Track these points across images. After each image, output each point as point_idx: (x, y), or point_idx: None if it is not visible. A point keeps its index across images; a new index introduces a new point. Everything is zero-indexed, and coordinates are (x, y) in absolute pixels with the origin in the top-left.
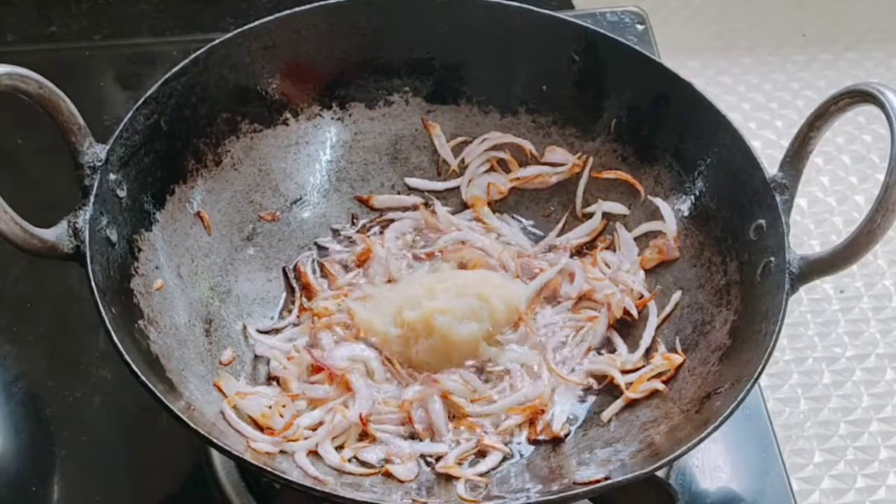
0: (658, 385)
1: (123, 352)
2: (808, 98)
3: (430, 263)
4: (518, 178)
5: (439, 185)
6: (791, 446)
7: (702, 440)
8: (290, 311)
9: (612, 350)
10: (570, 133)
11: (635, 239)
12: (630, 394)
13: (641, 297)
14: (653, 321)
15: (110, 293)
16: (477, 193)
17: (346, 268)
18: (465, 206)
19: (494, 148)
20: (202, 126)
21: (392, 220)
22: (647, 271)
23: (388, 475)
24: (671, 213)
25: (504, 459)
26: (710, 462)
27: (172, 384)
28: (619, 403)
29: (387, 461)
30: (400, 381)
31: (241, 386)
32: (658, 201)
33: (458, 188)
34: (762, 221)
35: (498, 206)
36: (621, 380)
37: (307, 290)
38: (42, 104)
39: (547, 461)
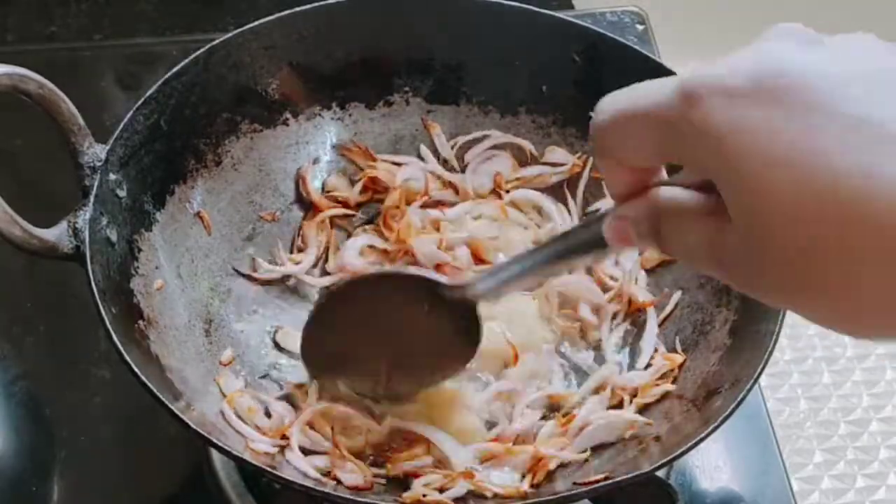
0: (668, 387)
1: (123, 352)
2: None
3: None
4: (518, 178)
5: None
6: (791, 446)
7: (702, 440)
8: None
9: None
10: (570, 133)
11: None
12: (640, 400)
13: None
14: (652, 326)
15: (110, 293)
16: (480, 187)
17: None
18: None
19: (494, 147)
20: (202, 126)
21: None
22: (648, 271)
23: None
24: None
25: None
26: (710, 462)
27: (172, 384)
28: (631, 409)
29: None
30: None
31: (241, 385)
32: None
33: (458, 188)
34: None
35: None
36: (626, 392)
37: None
38: (42, 104)
39: None
